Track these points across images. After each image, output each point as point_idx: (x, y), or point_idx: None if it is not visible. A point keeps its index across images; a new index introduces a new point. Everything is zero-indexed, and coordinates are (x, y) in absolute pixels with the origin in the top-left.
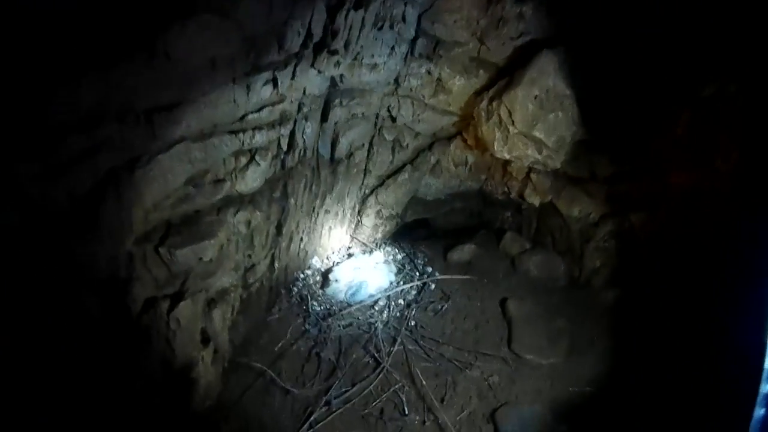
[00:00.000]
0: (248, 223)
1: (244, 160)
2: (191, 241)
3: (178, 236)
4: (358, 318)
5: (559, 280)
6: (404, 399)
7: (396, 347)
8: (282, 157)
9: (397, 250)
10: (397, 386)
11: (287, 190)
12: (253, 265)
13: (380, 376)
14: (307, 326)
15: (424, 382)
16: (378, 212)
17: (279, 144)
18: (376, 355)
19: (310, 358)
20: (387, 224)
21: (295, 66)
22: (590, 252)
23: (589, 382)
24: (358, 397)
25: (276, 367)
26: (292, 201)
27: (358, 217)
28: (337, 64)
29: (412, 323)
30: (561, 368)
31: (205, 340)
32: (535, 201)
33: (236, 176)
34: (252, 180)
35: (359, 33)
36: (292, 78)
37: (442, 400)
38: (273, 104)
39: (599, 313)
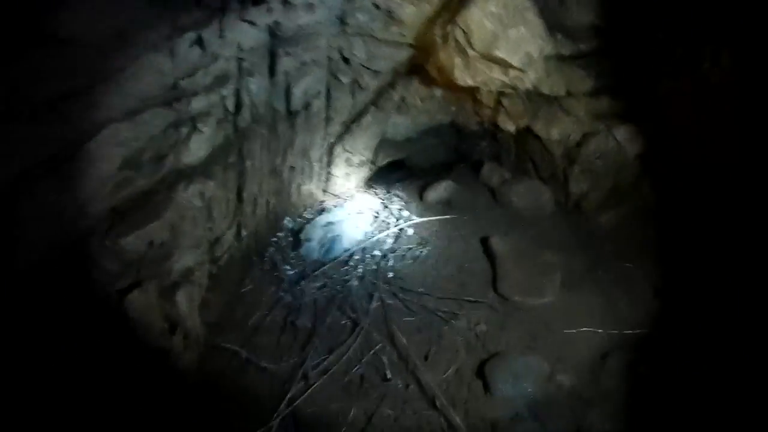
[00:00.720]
0: (202, 195)
1: (185, 130)
2: (136, 226)
3: (123, 224)
4: (332, 277)
5: (545, 208)
6: (386, 361)
7: (374, 304)
8: (230, 119)
9: (372, 197)
10: (377, 347)
11: (242, 152)
12: (218, 239)
13: (358, 339)
14: (281, 293)
15: (404, 341)
16: (347, 160)
17: (224, 106)
18: (352, 315)
19: (286, 328)
20: (359, 171)
21: (221, 21)
22: (575, 175)
23: (587, 321)
24: (336, 365)
25: (252, 343)
26: (249, 163)
27: (328, 169)
28: (269, 10)
29: (390, 275)
30: (556, 308)
31: (173, 327)
32: (511, 127)
33: (179, 149)
34: (197, 149)
35: None
36: (221, 35)
37: (426, 358)
38: (206, 66)
39: (591, 240)
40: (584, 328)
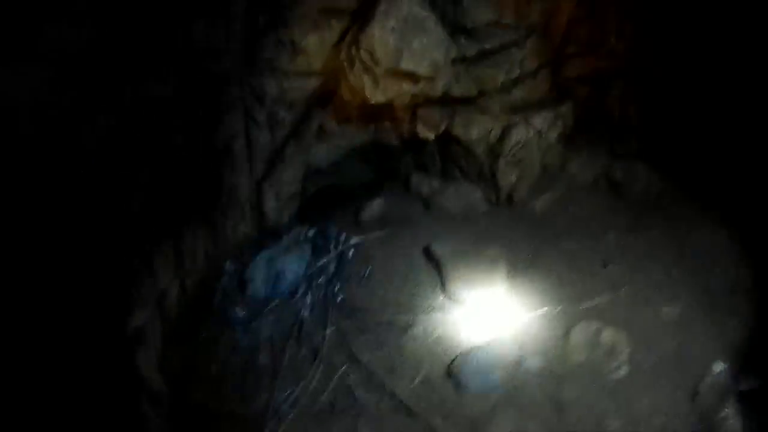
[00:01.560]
0: None
1: None
2: None
3: None
4: (283, 311)
5: (478, 208)
6: (352, 383)
7: (329, 330)
8: None
9: (307, 227)
10: (341, 371)
11: None
12: (163, 294)
13: (321, 367)
14: (237, 337)
15: (366, 359)
16: (276, 195)
17: None
18: (310, 346)
19: (248, 370)
20: (290, 204)
21: None
22: (502, 170)
23: (543, 302)
24: (304, 396)
25: (218, 393)
26: None
27: (260, 207)
28: None
29: (339, 298)
30: (508, 296)
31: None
32: (430, 135)
33: None
34: None
35: None
36: None
37: (392, 371)
38: None
39: (529, 228)
40: (541, 310)
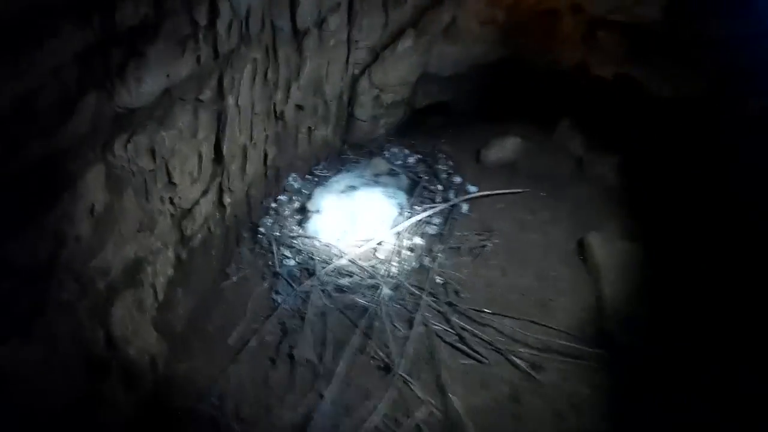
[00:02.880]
0: (152, 152)
1: (120, 55)
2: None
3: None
4: (351, 275)
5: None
6: None
7: (414, 330)
8: (204, 36)
9: (407, 152)
10: (419, 412)
11: (223, 86)
12: (188, 211)
13: (389, 393)
14: (275, 296)
15: (461, 408)
16: (376, 99)
17: (193, 20)
18: (380, 353)
19: (278, 359)
20: (391, 115)
21: None
22: None
23: None
24: None
25: (226, 378)
26: (231, 101)
27: (349, 109)
28: None
29: (438, 280)
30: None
31: (102, 364)
32: (606, 72)
33: (116, 83)
34: (143, 85)
35: None
36: None
37: None
38: None
39: None
40: None
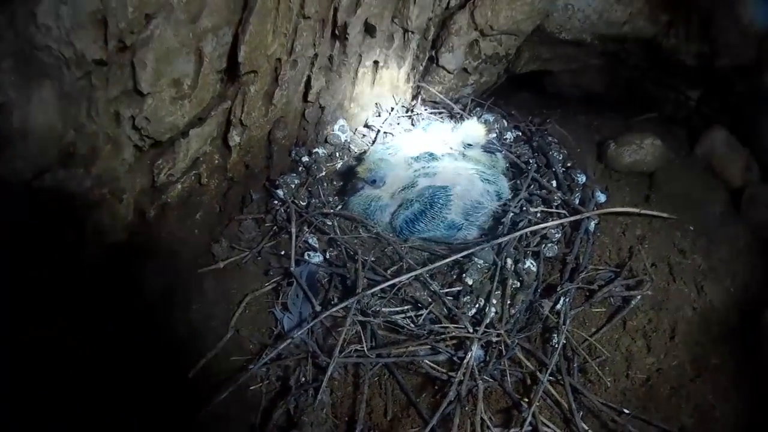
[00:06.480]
0: (102, 25)
1: None
2: None
3: None
4: (418, 306)
5: None
6: None
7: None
8: None
9: (505, 124)
10: None
11: None
12: (165, 144)
13: None
14: (278, 311)
15: None
16: (472, 45)
17: None
18: None
19: None
20: (485, 72)
21: None
22: None
23: None
24: None
25: None
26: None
27: (432, 52)
28: None
29: (558, 342)
30: None
31: None
32: None
33: None
34: None
35: None
36: None
37: None
38: None
39: None
40: None
